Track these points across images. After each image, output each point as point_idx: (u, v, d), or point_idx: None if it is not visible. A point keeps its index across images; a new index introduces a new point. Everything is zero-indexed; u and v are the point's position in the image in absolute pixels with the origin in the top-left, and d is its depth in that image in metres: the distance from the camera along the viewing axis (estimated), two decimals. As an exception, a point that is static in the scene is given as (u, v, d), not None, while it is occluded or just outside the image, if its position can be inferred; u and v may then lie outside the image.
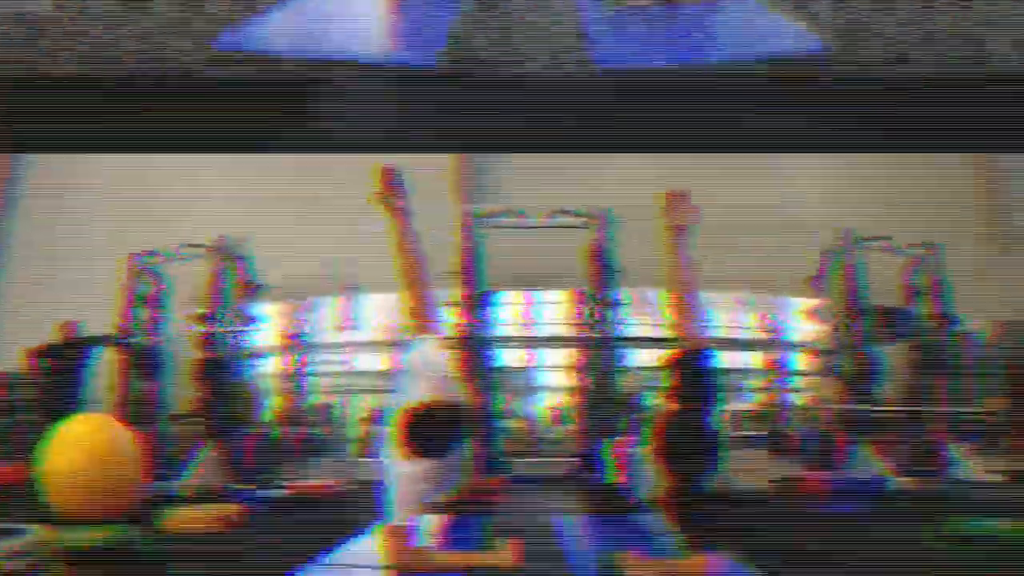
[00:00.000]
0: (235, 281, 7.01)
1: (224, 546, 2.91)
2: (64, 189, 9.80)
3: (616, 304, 6.93)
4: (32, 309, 9.20)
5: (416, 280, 2.52)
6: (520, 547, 2.31)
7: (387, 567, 2.26)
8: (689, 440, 2.09)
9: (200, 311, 7.07)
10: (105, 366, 7.38)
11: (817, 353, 6.93)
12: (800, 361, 8.59)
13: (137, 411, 6.67)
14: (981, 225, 9.57)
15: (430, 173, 8.37)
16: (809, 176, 9.01)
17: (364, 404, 8.27)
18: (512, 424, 9.03)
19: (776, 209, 8.65)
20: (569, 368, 9.35)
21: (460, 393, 2.36)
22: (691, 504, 2.20)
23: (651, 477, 2.14)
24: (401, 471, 2.17)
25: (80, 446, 3.47)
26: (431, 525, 2.64)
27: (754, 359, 10.03)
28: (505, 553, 2.32)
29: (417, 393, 2.26)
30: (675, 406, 2.17)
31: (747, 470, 5.42)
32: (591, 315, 6.97)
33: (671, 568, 2.15)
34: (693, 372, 2.25)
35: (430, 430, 2.15)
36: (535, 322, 9.36)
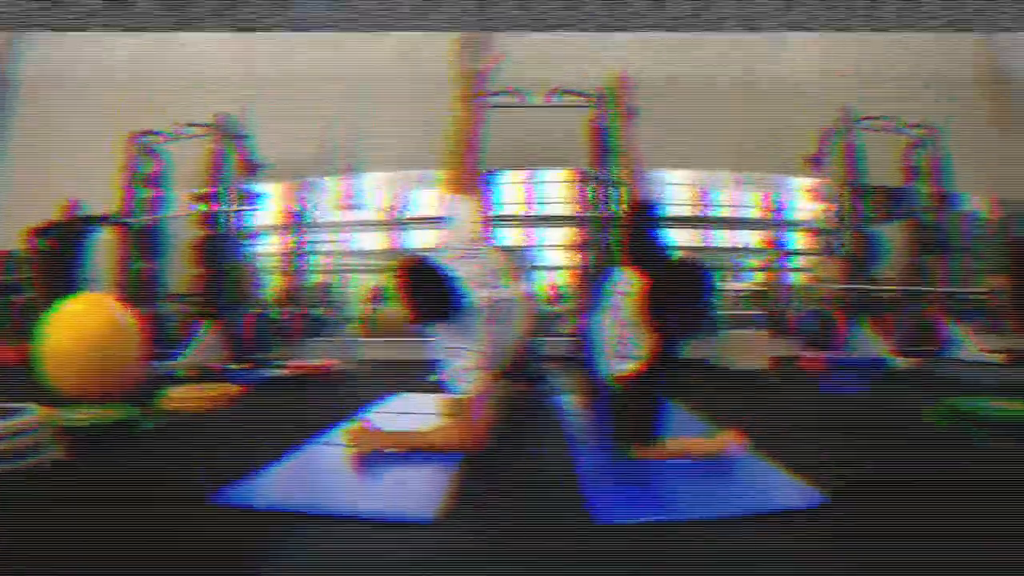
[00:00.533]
0: (236, 160, 6.91)
1: (223, 426, 2.92)
2: (65, 68, 9.50)
3: (616, 183, 6.80)
4: (33, 189, 9.12)
5: (469, 146, 2.83)
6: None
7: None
8: (668, 303, 2.01)
9: (201, 190, 6.96)
10: (105, 245, 7.34)
11: (817, 232, 6.84)
12: (800, 240, 8.52)
13: (137, 291, 6.69)
14: (982, 104, 9.37)
15: (432, 53, 8.06)
16: (810, 54, 8.74)
17: (364, 284, 8.28)
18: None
19: (776, 87, 8.45)
20: (570, 247, 9.32)
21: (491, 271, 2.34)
22: (674, 372, 2.17)
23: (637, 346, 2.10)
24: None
25: (79, 326, 3.46)
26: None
27: (753, 238, 9.97)
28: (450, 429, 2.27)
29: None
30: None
31: (746, 350, 5.46)
32: (592, 194, 6.86)
33: (682, 449, 2.13)
34: (644, 222, 2.43)
35: (417, 286, 2.12)
36: (535, 201, 9.24)
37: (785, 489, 1.79)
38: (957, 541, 1.37)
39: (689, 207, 9.48)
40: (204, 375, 5.24)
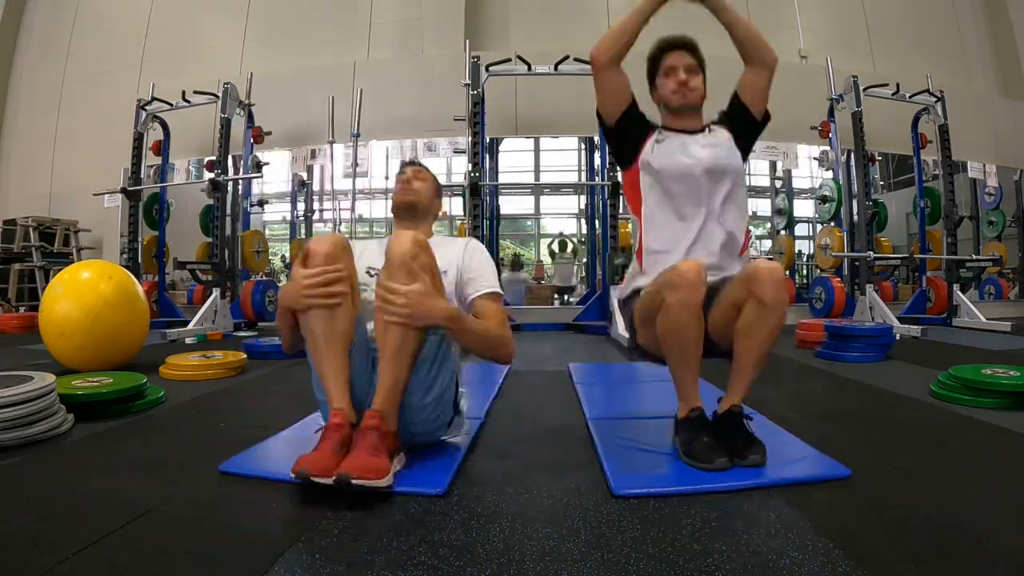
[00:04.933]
0: (243, 128, 6.86)
1: (229, 394, 2.92)
2: (71, 35, 9.43)
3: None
4: (39, 158, 9.13)
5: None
6: None
7: None
8: None
9: (208, 158, 6.90)
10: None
11: (823, 200, 6.77)
12: (806, 208, 8.47)
13: (143, 258, 6.69)
14: (989, 70, 9.27)
15: (438, 20, 7.95)
16: (816, 23, 8.63)
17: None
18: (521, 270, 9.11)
19: (783, 56, 8.34)
20: (577, 214, 9.28)
21: None
22: None
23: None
24: None
25: (83, 295, 3.44)
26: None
27: (760, 206, 9.92)
28: None
29: None
30: None
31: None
32: (598, 162, 6.83)
33: None
34: None
35: None
36: (542, 169, 9.19)
37: (808, 461, 1.76)
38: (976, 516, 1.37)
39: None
40: (210, 343, 5.27)
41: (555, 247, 9.60)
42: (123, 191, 6.62)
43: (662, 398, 2.62)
